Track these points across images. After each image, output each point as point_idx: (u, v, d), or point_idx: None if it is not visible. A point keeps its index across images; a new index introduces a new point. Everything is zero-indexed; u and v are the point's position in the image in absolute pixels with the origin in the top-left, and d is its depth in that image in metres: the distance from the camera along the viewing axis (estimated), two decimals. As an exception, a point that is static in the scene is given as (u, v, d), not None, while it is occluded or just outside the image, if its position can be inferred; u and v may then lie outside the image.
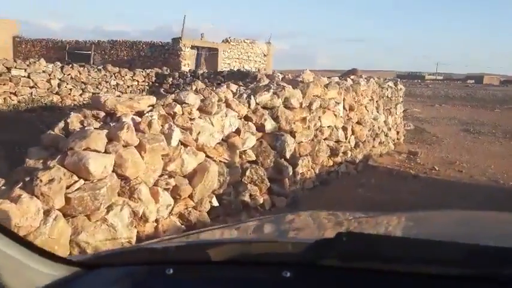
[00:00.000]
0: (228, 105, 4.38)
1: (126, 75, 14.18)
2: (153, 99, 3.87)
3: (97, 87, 13.31)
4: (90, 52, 21.69)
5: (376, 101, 9.29)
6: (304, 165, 5.96)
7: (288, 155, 5.28)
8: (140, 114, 3.71)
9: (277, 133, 5.12)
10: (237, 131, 4.45)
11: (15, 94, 11.61)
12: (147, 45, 19.64)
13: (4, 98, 11.40)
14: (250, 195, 4.63)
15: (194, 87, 4.48)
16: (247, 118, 4.69)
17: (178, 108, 3.81)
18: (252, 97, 4.76)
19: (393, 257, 0.80)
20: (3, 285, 0.76)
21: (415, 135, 13.80)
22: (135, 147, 3.42)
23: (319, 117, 6.39)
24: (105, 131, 3.36)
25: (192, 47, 19.15)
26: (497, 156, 10.79)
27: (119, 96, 3.68)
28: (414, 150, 10.51)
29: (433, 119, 18.66)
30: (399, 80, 11.67)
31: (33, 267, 0.82)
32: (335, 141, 6.96)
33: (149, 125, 3.47)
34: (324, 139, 6.67)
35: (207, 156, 4.04)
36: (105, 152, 3.26)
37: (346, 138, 7.27)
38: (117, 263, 0.99)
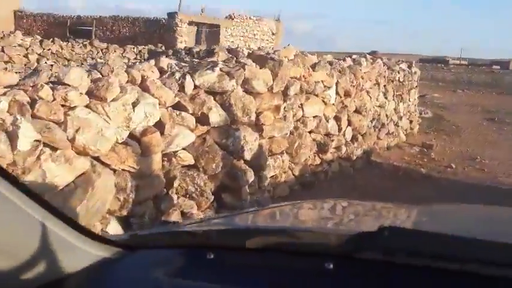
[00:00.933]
0: (145, 89, 3.03)
1: (115, 51, 12.90)
2: (12, 78, 2.55)
3: (82, 64, 12.10)
4: (91, 28, 20.52)
5: (384, 86, 7.77)
6: (278, 166, 4.59)
7: (247, 156, 3.91)
8: (-11, 100, 2.40)
9: (230, 127, 3.75)
10: (160, 125, 3.10)
11: (-13, 70, 10.50)
12: (145, 21, 18.21)
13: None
14: (183, 212, 3.31)
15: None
16: (179, 106, 3.32)
17: (45, 92, 2.46)
18: (189, 77, 3.35)
19: (436, 254, 0.79)
20: (51, 262, 0.77)
21: (433, 123, 12.16)
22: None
23: (301, 104, 4.98)
24: None
25: (190, 23, 17.55)
26: (526, 151, 9.19)
27: None
28: (429, 142, 8.96)
29: (454, 105, 16.88)
30: (414, 62, 10.02)
31: (78, 246, 0.82)
32: (324, 135, 5.54)
33: (-24, 118, 2.16)
34: (309, 132, 5.27)
35: (102, 162, 2.71)
36: None
37: (339, 130, 5.84)
38: (158, 245, 0.99)
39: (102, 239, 0.90)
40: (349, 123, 6.14)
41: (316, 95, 5.28)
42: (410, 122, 9.70)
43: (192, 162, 3.44)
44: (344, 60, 6.32)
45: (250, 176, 3.99)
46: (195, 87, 3.45)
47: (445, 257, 0.77)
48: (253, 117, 3.96)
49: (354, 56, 7.13)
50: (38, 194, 0.75)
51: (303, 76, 4.97)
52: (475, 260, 0.76)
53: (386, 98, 7.92)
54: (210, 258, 0.87)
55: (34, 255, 0.74)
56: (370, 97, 6.76)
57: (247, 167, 3.96)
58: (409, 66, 9.61)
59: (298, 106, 4.95)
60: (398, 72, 8.60)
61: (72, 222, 0.82)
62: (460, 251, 0.77)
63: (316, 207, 1.58)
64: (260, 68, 4.14)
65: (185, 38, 17.03)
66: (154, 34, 17.01)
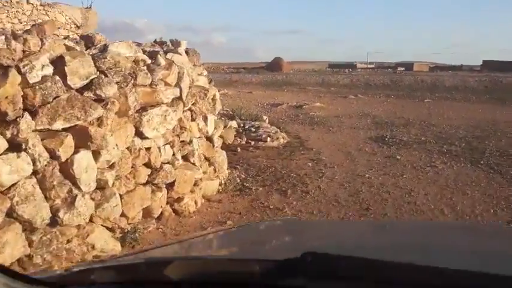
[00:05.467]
0: None
1: None
2: None
3: None
4: None
5: None
6: None
7: None
8: None
9: None
10: None
11: None
12: None
13: None
14: None
15: None
16: None
17: None
18: None
19: (357, 277, 0.78)
20: None
21: (276, 161, 6.62)
22: None
23: None
24: None
25: None
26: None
27: None
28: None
29: (336, 118, 11.67)
30: (183, 41, 4.33)
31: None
32: None
33: None
34: None
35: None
36: None
37: None
38: (88, 282, 0.97)
39: (31, 281, 0.88)
40: None
41: None
42: (170, 186, 3.92)
43: None
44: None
45: None
46: None
47: (369, 280, 0.76)
48: None
49: None
50: None
51: None
52: (396, 282, 0.77)
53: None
54: None
55: None
56: None
57: None
58: (156, 54, 3.84)
59: None
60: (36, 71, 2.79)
61: None
62: (381, 273, 0.77)
63: (241, 231, 1.55)
64: None
65: None
66: None
